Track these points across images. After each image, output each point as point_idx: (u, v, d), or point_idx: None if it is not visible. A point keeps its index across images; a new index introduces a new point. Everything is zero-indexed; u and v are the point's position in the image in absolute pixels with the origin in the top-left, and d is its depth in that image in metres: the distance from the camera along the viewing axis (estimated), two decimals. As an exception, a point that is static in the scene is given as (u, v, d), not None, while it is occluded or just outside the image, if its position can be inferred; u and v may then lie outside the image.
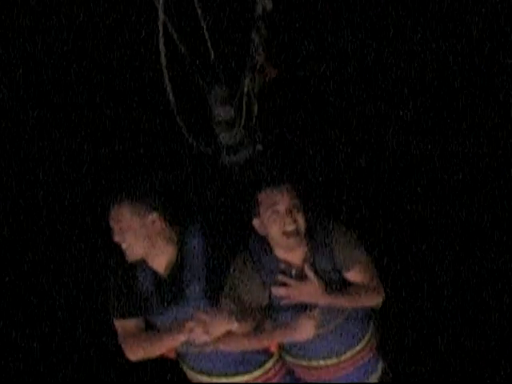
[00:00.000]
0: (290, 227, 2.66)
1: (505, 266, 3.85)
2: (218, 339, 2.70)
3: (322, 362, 2.95)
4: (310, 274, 2.71)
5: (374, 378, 3.07)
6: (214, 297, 2.77)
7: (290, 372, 3.06)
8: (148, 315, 2.86)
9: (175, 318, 2.79)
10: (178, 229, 2.85)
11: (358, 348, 2.94)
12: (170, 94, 3.35)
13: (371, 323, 2.99)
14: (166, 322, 2.82)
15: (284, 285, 2.73)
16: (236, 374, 2.96)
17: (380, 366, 3.09)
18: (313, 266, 2.74)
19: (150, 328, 2.89)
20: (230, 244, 2.83)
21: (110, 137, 4.17)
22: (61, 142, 4.22)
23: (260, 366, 2.98)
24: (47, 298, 4.11)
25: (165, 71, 3.33)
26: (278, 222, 2.65)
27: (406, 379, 3.56)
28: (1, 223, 4.19)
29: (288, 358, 3.00)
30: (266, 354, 2.98)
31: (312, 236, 2.75)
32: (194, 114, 3.44)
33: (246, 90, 3.47)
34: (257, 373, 2.98)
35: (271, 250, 2.75)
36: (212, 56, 3.47)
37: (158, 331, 2.86)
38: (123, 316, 2.85)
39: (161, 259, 2.81)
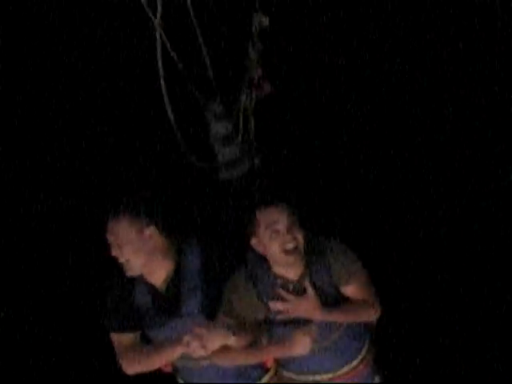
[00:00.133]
0: (290, 245, 2.66)
1: (502, 283, 3.86)
2: (215, 354, 2.71)
3: (318, 377, 2.94)
4: (309, 289, 2.72)
5: (371, 393, 3.08)
6: (210, 312, 2.77)
7: (286, 387, 3.06)
8: (145, 329, 2.86)
9: (172, 333, 2.79)
10: (175, 243, 2.85)
11: (354, 363, 2.94)
12: (169, 111, 3.39)
13: (367, 338, 3.00)
14: (163, 337, 2.82)
15: (281, 299, 2.74)
16: (232, 388, 2.96)
17: (376, 381, 3.10)
18: (310, 281, 2.75)
19: (146, 342, 2.90)
20: (227, 259, 2.83)
21: (109, 152, 4.18)
22: (59, 155, 4.23)
23: (256, 380, 2.98)
24: (43, 312, 4.11)
25: (163, 88, 3.36)
26: (278, 240, 2.66)
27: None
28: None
29: (284, 373, 3.00)
30: (262, 368, 2.98)
31: (309, 252, 2.75)
32: (192, 130, 3.46)
33: (242, 105, 3.51)
34: (253, 388, 2.98)
35: (268, 266, 2.76)
36: (209, 72, 3.50)
37: (155, 345, 2.87)
38: (120, 330, 2.85)
39: (158, 273, 2.82)
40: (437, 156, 4.26)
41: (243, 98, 3.50)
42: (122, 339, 2.85)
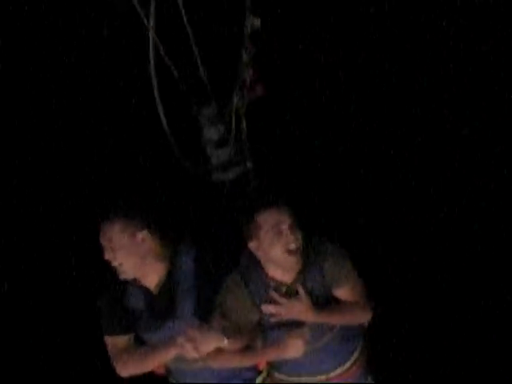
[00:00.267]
0: (293, 245, 2.69)
1: (496, 289, 3.88)
2: (208, 356, 2.72)
3: (310, 379, 2.96)
4: (302, 291, 2.74)
5: (363, 395, 3.09)
6: (204, 314, 2.79)
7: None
8: (139, 332, 2.88)
9: (166, 335, 2.80)
10: (168, 247, 2.86)
11: (347, 365, 2.96)
12: (161, 113, 3.39)
13: (360, 340, 3.01)
14: (157, 339, 2.84)
15: (274, 302, 2.75)
16: (225, 390, 2.97)
17: (369, 381, 3.11)
18: (303, 283, 2.77)
19: (140, 344, 2.90)
20: (220, 262, 2.85)
21: (102, 156, 4.18)
22: (53, 160, 4.23)
23: (248, 383, 3.00)
24: (38, 315, 4.12)
25: (155, 90, 3.37)
26: (282, 241, 2.68)
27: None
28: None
29: (276, 375, 3.01)
30: (255, 370, 3.00)
31: (303, 253, 2.76)
32: (185, 133, 3.47)
33: (235, 107, 3.51)
34: (245, 389, 2.99)
35: (262, 269, 2.78)
36: (202, 74, 3.51)
37: (149, 347, 2.87)
38: (114, 333, 2.86)
39: (152, 277, 2.83)
40: (432, 159, 4.27)
41: (236, 100, 3.50)
42: (115, 342, 2.86)
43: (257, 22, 3.37)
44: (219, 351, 2.72)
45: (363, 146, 4.26)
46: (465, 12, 4.13)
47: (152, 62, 3.35)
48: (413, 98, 4.27)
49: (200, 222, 3.36)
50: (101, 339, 2.90)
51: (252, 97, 3.49)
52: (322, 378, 2.96)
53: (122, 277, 2.80)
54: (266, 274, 2.78)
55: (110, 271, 2.81)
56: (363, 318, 2.88)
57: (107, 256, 2.78)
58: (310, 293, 2.77)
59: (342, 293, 2.83)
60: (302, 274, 2.78)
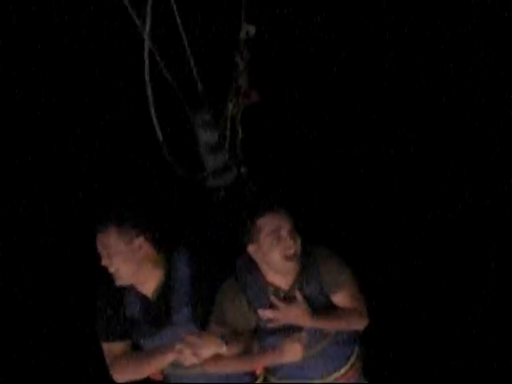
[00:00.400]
0: (291, 251, 2.69)
1: (493, 294, 3.90)
2: (206, 362, 2.73)
3: (306, 384, 2.98)
4: (299, 296, 2.75)
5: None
6: (201, 321, 2.80)
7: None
8: (135, 339, 2.88)
9: (163, 342, 2.80)
10: (165, 253, 2.87)
11: (342, 371, 2.97)
12: (155, 120, 3.39)
13: (356, 346, 3.03)
14: (154, 346, 2.84)
15: (272, 307, 2.76)
16: (221, 395, 2.97)
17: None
18: (301, 289, 2.78)
19: (137, 351, 2.91)
20: (217, 268, 2.85)
21: (98, 163, 4.18)
22: (48, 166, 4.22)
23: (246, 386, 3.01)
24: (33, 321, 4.11)
25: (150, 96, 3.37)
26: (280, 246, 2.69)
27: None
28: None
29: (273, 380, 3.02)
30: (251, 375, 3.00)
31: (301, 259, 2.78)
32: (179, 140, 3.47)
33: (229, 113, 3.52)
34: (242, 394, 2.99)
35: (259, 274, 2.78)
36: (196, 81, 3.51)
37: (146, 353, 2.87)
38: (111, 339, 2.86)
39: (148, 283, 2.83)
40: (429, 161, 4.29)
41: (230, 106, 3.51)
42: (112, 348, 2.86)
43: (252, 30, 3.39)
44: (216, 357, 2.72)
45: (359, 150, 4.28)
46: (465, 12, 4.16)
47: (147, 67, 3.35)
48: (407, 107, 4.29)
49: (196, 227, 3.36)
50: (97, 345, 2.90)
51: (247, 103, 3.51)
52: (319, 382, 2.96)
53: (119, 283, 2.80)
54: (264, 279, 2.78)
55: (107, 277, 2.81)
56: (360, 324, 2.89)
57: (104, 262, 2.78)
58: (307, 298, 2.77)
59: (340, 299, 2.85)
60: (300, 279, 2.79)
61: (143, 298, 2.84)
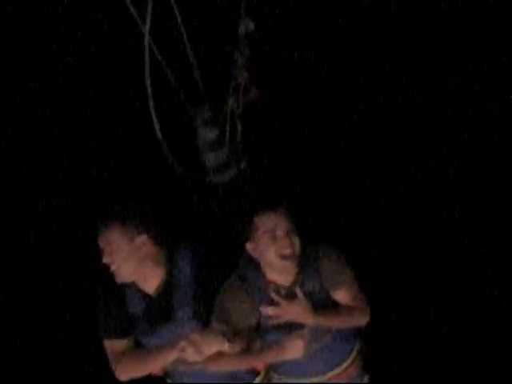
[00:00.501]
0: (288, 250, 2.69)
1: (493, 292, 3.91)
2: (208, 359, 2.73)
3: (307, 380, 2.98)
4: (300, 294, 2.75)
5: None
6: (203, 319, 2.80)
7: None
8: (137, 336, 2.88)
9: (165, 339, 2.81)
10: (167, 251, 2.87)
11: (343, 366, 2.98)
12: (154, 117, 3.40)
13: (357, 341, 3.04)
14: (156, 343, 2.84)
15: (273, 304, 2.77)
16: (222, 391, 2.98)
17: (365, 381, 3.13)
18: (301, 286, 2.78)
19: (139, 348, 2.92)
20: (218, 265, 2.86)
21: (99, 161, 4.18)
22: (49, 164, 4.22)
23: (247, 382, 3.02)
24: (35, 319, 4.11)
25: (149, 93, 3.38)
26: (276, 245, 2.69)
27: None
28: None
29: (275, 377, 3.03)
30: (253, 372, 3.01)
31: (300, 257, 2.78)
32: (179, 136, 3.47)
33: (230, 110, 3.53)
34: (243, 391, 3.01)
35: (261, 272, 2.79)
36: (196, 77, 3.52)
37: (148, 350, 2.87)
38: (113, 336, 2.86)
39: (150, 281, 2.84)
40: (427, 162, 4.29)
41: (230, 102, 3.52)
42: (114, 346, 2.87)
43: (251, 25, 3.39)
44: (218, 354, 2.73)
45: (359, 148, 4.27)
46: (465, 12, 4.16)
47: (147, 64, 3.35)
48: (408, 104, 4.29)
49: (197, 225, 3.37)
50: (99, 342, 2.90)
51: (247, 99, 3.51)
52: (319, 378, 2.97)
53: (120, 280, 2.80)
54: (265, 277, 2.79)
55: (109, 275, 2.81)
56: (361, 321, 2.90)
57: (105, 260, 2.78)
58: (308, 295, 2.78)
59: (341, 296, 2.86)
60: (300, 276, 2.80)
61: (145, 295, 2.84)
